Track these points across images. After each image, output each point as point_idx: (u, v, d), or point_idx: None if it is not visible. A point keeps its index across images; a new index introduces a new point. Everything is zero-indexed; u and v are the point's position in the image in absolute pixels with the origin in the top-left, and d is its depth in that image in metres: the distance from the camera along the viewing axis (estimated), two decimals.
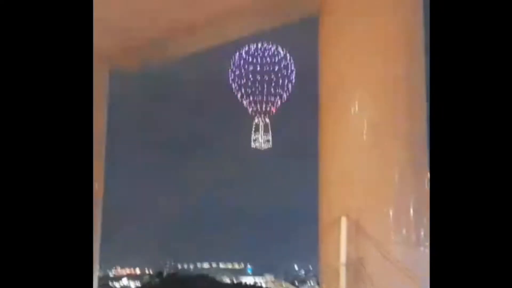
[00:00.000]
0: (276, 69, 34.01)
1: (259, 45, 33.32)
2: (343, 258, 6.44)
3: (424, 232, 6.81)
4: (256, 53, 34.65)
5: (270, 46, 34.18)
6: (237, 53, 33.78)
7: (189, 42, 9.70)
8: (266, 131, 35.31)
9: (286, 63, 33.95)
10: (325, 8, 7.70)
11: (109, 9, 8.36)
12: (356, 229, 6.57)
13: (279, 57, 34.36)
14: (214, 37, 9.49)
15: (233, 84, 34.56)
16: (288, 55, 33.28)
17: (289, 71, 33.26)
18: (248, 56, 34.08)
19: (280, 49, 34.06)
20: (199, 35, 9.34)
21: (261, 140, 35.74)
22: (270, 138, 35.78)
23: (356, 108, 7.16)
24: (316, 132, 7.59)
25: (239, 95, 34.77)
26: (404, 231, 6.77)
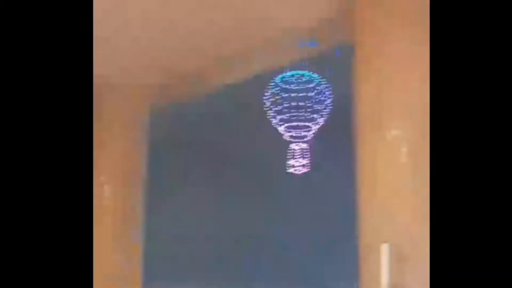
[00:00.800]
0: (312, 94, 34.00)
1: (294, 71, 33.38)
2: (384, 286, 6.43)
3: None
4: (291, 79, 34.72)
5: (305, 72, 34.25)
6: (273, 80, 33.89)
7: (223, 76, 9.95)
8: (302, 156, 35.25)
9: (321, 89, 33.93)
10: (360, 38, 7.82)
11: (144, 47, 8.65)
12: (398, 257, 6.57)
13: (315, 83, 34.33)
14: (247, 70, 9.71)
15: (269, 111, 34.55)
16: (323, 81, 33.26)
17: (325, 96, 33.16)
18: (284, 83, 34.17)
19: (315, 75, 34.02)
20: (233, 69, 9.58)
21: (297, 165, 35.63)
22: (306, 163, 35.60)
23: (395, 135, 7.22)
24: (350, 159, 7.65)
25: (274, 121, 34.78)
26: None
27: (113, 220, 9.96)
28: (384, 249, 6.51)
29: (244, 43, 8.86)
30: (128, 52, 9.07)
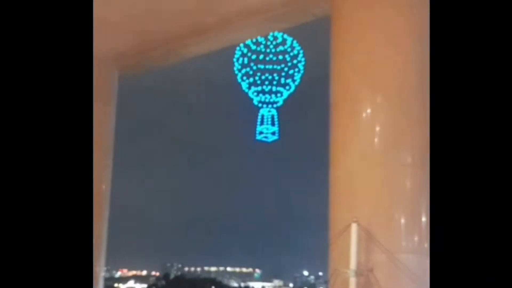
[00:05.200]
0: (284, 58, 33.79)
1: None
2: (353, 265, 6.62)
3: None
4: (263, 42, 34.40)
5: (277, 34, 33.98)
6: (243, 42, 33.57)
7: (200, 44, 9.90)
8: (272, 123, 35.25)
9: (294, 53, 33.75)
10: (336, 12, 7.85)
11: (118, 11, 8.55)
12: (366, 236, 6.75)
13: (287, 46, 34.13)
14: (225, 40, 9.67)
15: (239, 74, 34.36)
16: (296, 44, 33.08)
17: (298, 60, 33.04)
18: (255, 45, 33.86)
19: (287, 37, 33.79)
20: (211, 38, 9.53)
21: (267, 132, 35.73)
22: (276, 130, 35.72)
23: (368, 112, 7.34)
24: (325, 129, 7.76)
25: (244, 85, 34.57)
26: (415, 239, 6.96)
27: None
28: (354, 228, 6.67)
29: (221, 14, 8.79)
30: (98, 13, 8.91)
